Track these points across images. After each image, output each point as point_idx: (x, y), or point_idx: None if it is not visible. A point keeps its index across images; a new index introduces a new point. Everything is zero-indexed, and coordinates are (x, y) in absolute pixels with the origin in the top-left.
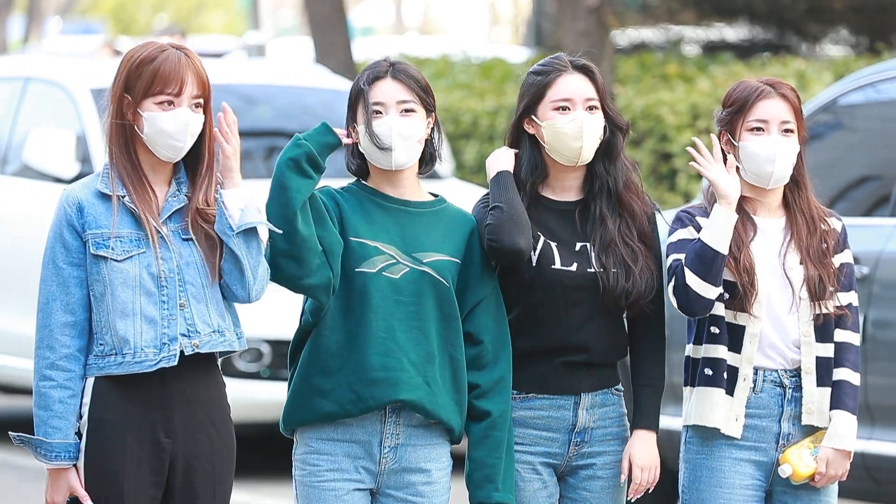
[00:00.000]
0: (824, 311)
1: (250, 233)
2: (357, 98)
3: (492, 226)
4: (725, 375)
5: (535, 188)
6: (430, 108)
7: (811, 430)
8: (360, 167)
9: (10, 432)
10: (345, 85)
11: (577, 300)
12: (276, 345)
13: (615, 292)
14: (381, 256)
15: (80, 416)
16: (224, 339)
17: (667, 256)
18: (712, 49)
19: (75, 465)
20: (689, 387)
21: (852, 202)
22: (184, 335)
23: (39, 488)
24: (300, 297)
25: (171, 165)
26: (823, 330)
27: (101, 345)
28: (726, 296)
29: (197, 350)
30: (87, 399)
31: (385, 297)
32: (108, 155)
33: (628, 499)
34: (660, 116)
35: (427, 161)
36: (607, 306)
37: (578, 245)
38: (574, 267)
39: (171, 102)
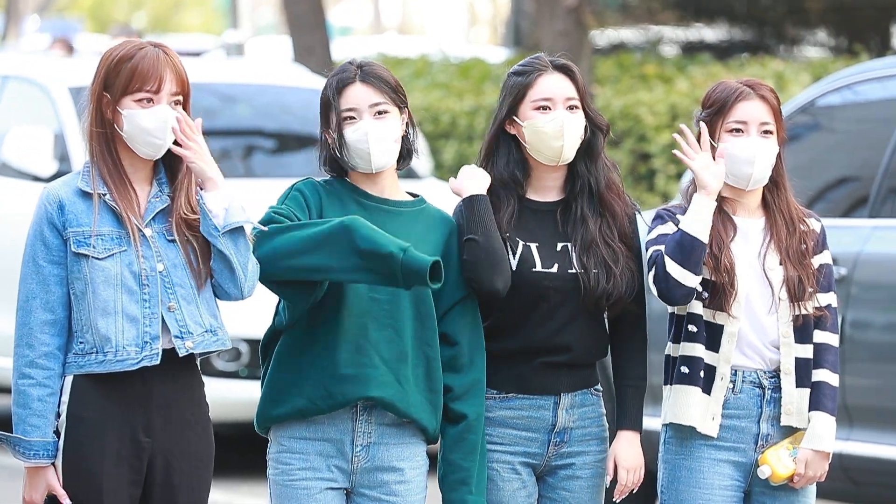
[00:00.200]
0: (803, 312)
1: (237, 231)
2: (328, 105)
3: (469, 263)
4: (702, 374)
5: (518, 190)
6: (402, 105)
7: (790, 431)
8: (338, 167)
9: None
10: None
11: (558, 302)
12: (254, 344)
13: (596, 293)
14: None
15: (59, 415)
16: (217, 338)
17: (646, 250)
18: (691, 49)
19: (54, 464)
20: (667, 385)
21: (830, 203)
22: (177, 336)
23: (17, 487)
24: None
25: (151, 164)
26: (803, 331)
27: (81, 343)
28: (705, 295)
29: (191, 351)
30: (65, 397)
31: (360, 294)
32: (89, 153)
33: (614, 500)
34: (638, 117)
35: (404, 157)
36: (588, 307)
37: (559, 245)
38: (555, 268)
39: (150, 100)
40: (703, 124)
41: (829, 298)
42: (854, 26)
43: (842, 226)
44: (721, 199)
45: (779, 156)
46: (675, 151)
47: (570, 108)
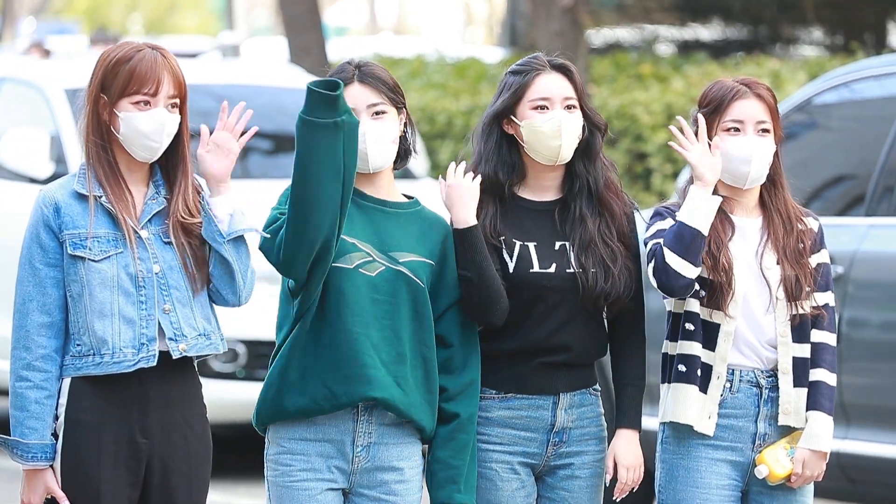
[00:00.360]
0: (801, 311)
1: (239, 238)
2: None
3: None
4: (699, 372)
5: (511, 189)
6: (400, 105)
7: (787, 431)
8: None
9: None
10: None
11: (556, 301)
12: (251, 345)
13: (594, 293)
14: (357, 253)
15: (57, 417)
16: (210, 342)
17: (645, 245)
18: (687, 49)
19: (52, 466)
20: (665, 384)
21: (827, 202)
22: (171, 339)
23: (16, 489)
24: (275, 298)
25: (147, 166)
26: (800, 330)
27: (78, 345)
28: (703, 293)
29: (184, 354)
30: (63, 400)
31: (361, 294)
32: (85, 155)
33: (614, 499)
34: (634, 116)
35: (402, 157)
36: (587, 307)
37: (557, 244)
38: (553, 268)
39: (147, 102)
40: (700, 116)
41: (826, 298)
42: (850, 24)
43: (839, 224)
44: None
45: (776, 154)
46: (672, 143)
47: (568, 107)
